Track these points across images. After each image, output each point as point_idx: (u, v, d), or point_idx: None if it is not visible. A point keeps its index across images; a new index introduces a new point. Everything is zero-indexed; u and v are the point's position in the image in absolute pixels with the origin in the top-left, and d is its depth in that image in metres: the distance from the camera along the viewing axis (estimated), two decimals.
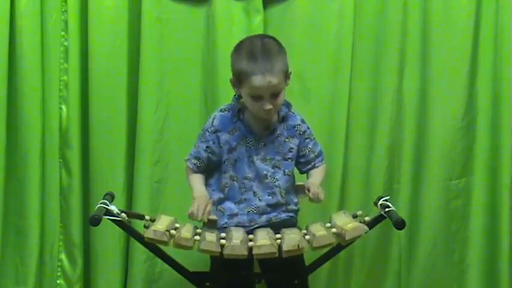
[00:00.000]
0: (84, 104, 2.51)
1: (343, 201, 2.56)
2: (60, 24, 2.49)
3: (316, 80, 2.54)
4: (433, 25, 2.51)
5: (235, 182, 2.09)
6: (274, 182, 2.09)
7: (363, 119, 2.56)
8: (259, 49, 1.99)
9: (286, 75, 2.03)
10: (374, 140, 2.57)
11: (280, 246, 1.82)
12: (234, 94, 2.13)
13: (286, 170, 2.11)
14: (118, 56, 2.50)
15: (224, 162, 2.09)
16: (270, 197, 2.09)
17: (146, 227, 1.99)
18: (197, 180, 2.12)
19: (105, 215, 1.91)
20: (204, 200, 2.00)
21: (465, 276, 2.57)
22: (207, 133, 2.10)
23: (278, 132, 2.11)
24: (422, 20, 2.51)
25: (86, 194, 2.55)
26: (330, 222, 1.97)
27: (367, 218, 1.97)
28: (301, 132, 2.14)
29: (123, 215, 1.96)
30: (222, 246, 1.83)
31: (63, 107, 2.51)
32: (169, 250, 1.96)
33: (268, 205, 2.09)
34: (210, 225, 2.00)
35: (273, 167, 2.10)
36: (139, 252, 2.47)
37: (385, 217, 1.93)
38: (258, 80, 1.95)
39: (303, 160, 2.16)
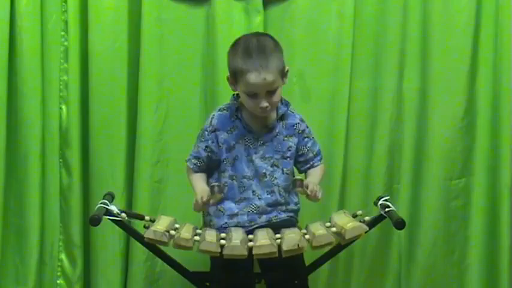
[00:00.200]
0: (84, 104, 2.51)
1: (343, 201, 2.55)
2: (60, 24, 2.49)
3: (316, 80, 2.54)
4: (433, 25, 2.51)
5: (234, 181, 2.09)
6: (273, 181, 2.09)
7: (363, 119, 2.56)
8: (254, 46, 1.99)
9: (283, 73, 2.04)
10: (374, 140, 2.57)
11: (280, 246, 1.82)
12: (232, 93, 2.14)
13: (285, 169, 2.11)
14: (118, 56, 2.50)
15: (223, 161, 2.10)
16: (269, 196, 2.09)
17: (146, 227, 1.99)
18: (198, 179, 2.12)
19: (105, 215, 1.91)
20: (206, 192, 2.00)
21: (465, 276, 2.57)
22: (206, 132, 2.11)
23: (277, 130, 2.11)
24: (422, 20, 2.51)
25: (86, 194, 2.55)
26: (329, 222, 1.97)
27: (367, 218, 1.97)
28: (300, 131, 2.14)
29: (123, 215, 1.97)
30: (222, 246, 1.83)
31: (63, 107, 2.51)
32: (169, 250, 1.96)
33: (268, 204, 2.09)
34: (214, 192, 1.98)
35: (272, 166, 2.10)
36: (140, 252, 2.47)
37: (385, 217, 1.93)
38: (253, 77, 1.96)
39: (301, 159, 2.16)
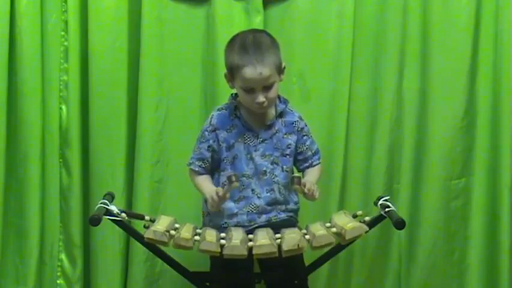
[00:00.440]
0: (84, 104, 2.51)
1: (343, 201, 2.55)
2: (60, 24, 2.48)
3: (316, 80, 2.54)
4: (433, 25, 2.51)
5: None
6: (273, 178, 2.10)
7: (363, 119, 2.56)
8: (250, 42, 2.01)
9: (280, 69, 2.05)
10: (374, 140, 2.57)
11: (280, 246, 1.82)
12: (231, 93, 2.14)
13: (285, 166, 2.12)
14: (118, 56, 2.49)
15: (223, 160, 2.10)
16: (268, 194, 2.09)
17: (146, 227, 1.99)
18: (205, 182, 2.11)
19: (105, 215, 1.91)
20: (215, 189, 1.99)
21: (465, 276, 2.57)
22: (206, 133, 2.11)
23: (276, 128, 2.12)
24: (422, 20, 2.51)
25: (86, 194, 2.55)
26: (330, 222, 1.97)
27: (367, 218, 1.97)
28: (299, 129, 2.15)
29: (123, 215, 1.97)
30: (222, 246, 1.83)
31: (63, 107, 2.51)
32: (169, 250, 1.96)
33: (268, 203, 2.09)
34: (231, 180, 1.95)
35: (271, 163, 2.10)
36: (140, 252, 2.47)
37: (385, 217, 1.93)
38: (248, 72, 1.97)
39: (300, 157, 2.16)
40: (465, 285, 2.57)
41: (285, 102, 2.15)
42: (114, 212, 1.94)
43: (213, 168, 2.13)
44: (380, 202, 2.00)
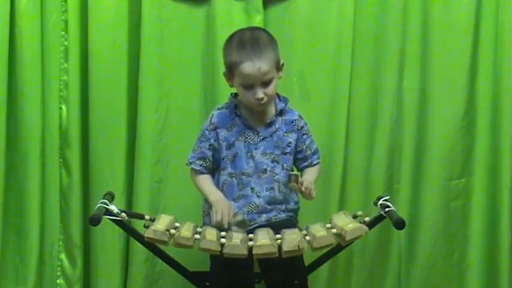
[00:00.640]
0: (84, 104, 2.51)
1: (343, 201, 2.55)
2: (60, 24, 2.49)
3: (316, 80, 2.54)
4: (433, 25, 2.51)
5: (233, 179, 2.09)
6: (274, 177, 2.10)
7: (363, 119, 2.56)
8: (248, 39, 2.03)
9: (278, 66, 2.06)
10: (374, 140, 2.57)
11: (280, 247, 1.82)
12: (231, 93, 2.14)
13: (285, 165, 2.12)
14: (118, 56, 2.49)
15: (223, 159, 2.10)
16: (268, 192, 2.09)
17: (146, 226, 1.99)
18: (207, 182, 2.11)
19: (105, 214, 1.91)
20: (225, 204, 2.00)
21: (465, 276, 2.57)
22: (207, 132, 2.11)
23: (277, 126, 2.12)
24: (422, 20, 2.51)
25: (86, 194, 2.55)
26: (330, 223, 1.97)
27: (367, 219, 1.97)
28: (299, 127, 2.15)
29: (123, 214, 1.96)
30: (222, 245, 1.83)
31: (63, 106, 2.51)
32: (169, 250, 1.96)
33: (267, 202, 2.09)
34: (240, 225, 1.99)
35: (272, 162, 2.10)
36: (139, 252, 2.47)
37: (385, 217, 1.93)
38: (247, 67, 1.98)
39: (300, 156, 2.17)
40: (465, 285, 2.57)
41: (285, 100, 2.16)
42: (114, 211, 1.94)
43: (213, 168, 2.13)
44: (380, 202, 2.00)
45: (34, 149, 2.48)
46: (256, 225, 2.07)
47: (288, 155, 2.13)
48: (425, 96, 2.55)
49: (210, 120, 2.12)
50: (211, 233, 1.89)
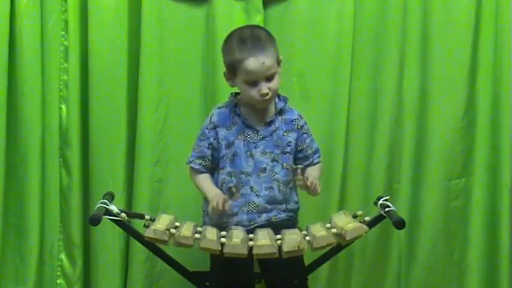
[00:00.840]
0: (84, 104, 2.51)
1: (343, 201, 2.55)
2: (60, 24, 2.48)
3: (316, 80, 2.54)
4: (433, 25, 2.51)
5: (233, 178, 2.09)
6: (273, 176, 2.10)
7: (363, 119, 2.56)
8: (248, 36, 2.04)
9: (278, 61, 2.07)
10: (374, 140, 2.57)
11: (280, 247, 1.82)
12: (231, 92, 2.15)
13: (285, 164, 2.12)
14: (118, 56, 2.49)
15: (222, 157, 2.10)
16: (267, 192, 2.09)
17: (146, 226, 1.99)
18: (206, 181, 2.11)
19: (105, 214, 1.91)
20: (221, 196, 2.00)
21: (465, 276, 2.57)
22: (206, 130, 2.11)
23: (276, 125, 2.12)
24: (422, 20, 2.51)
25: (86, 194, 2.54)
26: (330, 223, 1.97)
27: (367, 218, 1.97)
28: (299, 127, 2.15)
29: (123, 214, 1.97)
30: (222, 244, 1.83)
31: (63, 106, 2.51)
32: (169, 250, 1.96)
33: (267, 202, 2.08)
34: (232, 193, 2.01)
35: (272, 161, 2.10)
36: (140, 252, 2.47)
37: (385, 217, 1.93)
38: (251, 63, 1.99)
39: (300, 155, 2.17)
40: (465, 285, 2.57)
41: (284, 100, 2.16)
42: (114, 211, 1.94)
43: (212, 168, 2.13)
44: (380, 202, 2.00)
45: (34, 149, 2.48)
46: (257, 225, 2.07)
47: (287, 154, 2.13)
48: (425, 96, 2.55)
49: (210, 119, 2.12)
50: (211, 233, 1.89)
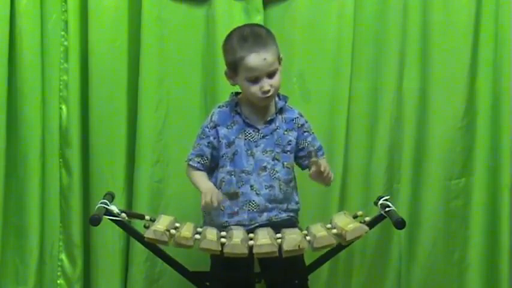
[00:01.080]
0: (84, 104, 2.51)
1: (343, 201, 2.56)
2: (60, 24, 2.48)
3: (316, 80, 2.54)
4: (433, 25, 2.52)
5: (233, 177, 2.09)
6: (274, 174, 2.10)
7: (363, 119, 2.56)
8: (249, 33, 2.05)
9: (279, 58, 2.07)
10: (374, 140, 2.57)
11: (280, 246, 1.82)
12: (231, 92, 2.15)
13: (285, 163, 2.12)
14: (118, 56, 2.49)
15: (222, 156, 2.10)
16: (267, 191, 2.09)
17: (146, 226, 1.99)
18: (201, 177, 2.12)
19: (105, 215, 1.91)
20: (213, 190, 2.00)
21: (465, 276, 2.57)
22: (207, 129, 2.12)
23: (277, 124, 2.13)
24: (422, 20, 2.52)
25: (86, 194, 2.54)
26: (330, 223, 1.97)
27: (367, 218, 1.97)
28: (299, 125, 2.16)
29: (123, 215, 1.96)
30: (223, 244, 1.83)
31: (63, 107, 2.51)
32: (169, 250, 1.96)
33: (268, 201, 2.08)
34: (232, 197, 2.02)
35: (272, 159, 2.11)
36: (140, 252, 2.47)
37: (385, 217, 1.93)
38: (252, 59, 2.00)
39: (302, 154, 2.16)
40: (465, 285, 2.57)
41: (284, 98, 2.17)
42: (114, 212, 1.94)
43: (211, 167, 2.13)
44: (380, 202, 1.99)
45: (34, 149, 2.48)
46: (257, 224, 2.07)
47: (288, 153, 2.13)
48: (425, 96, 2.55)
49: (211, 118, 2.13)
50: (211, 233, 1.89)
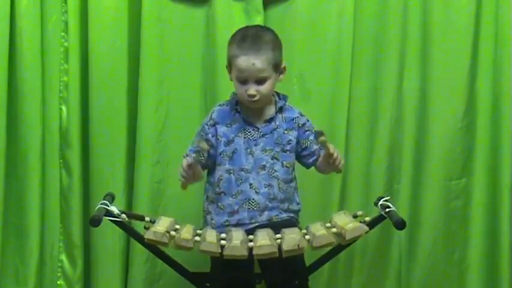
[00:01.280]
0: (84, 104, 2.51)
1: (343, 201, 2.56)
2: (60, 24, 2.48)
3: (316, 80, 2.54)
4: (433, 25, 2.52)
5: (232, 175, 2.09)
6: (273, 173, 2.10)
7: (363, 119, 2.56)
8: (250, 35, 2.05)
9: (277, 67, 2.07)
10: (374, 140, 2.57)
11: (280, 246, 1.82)
12: (232, 91, 2.15)
13: (285, 162, 2.12)
14: (118, 56, 2.49)
15: (220, 154, 2.11)
16: (266, 189, 2.09)
17: (146, 228, 1.99)
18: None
19: (105, 215, 1.91)
20: (185, 159, 2.00)
21: (465, 276, 2.58)
22: (206, 127, 2.13)
23: (277, 123, 2.13)
24: (422, 20, 2.52)
25: (86, 194, 2.54)
26: (330, 223, 1.97)
27: (367, 218, 1.97)
28: (300, 125, 2.16)
29: (124, 215, 1.96)
30: (222, 247, 1.83)
31: (63, 107, 2.51)
32: (169, 251, 1.96)
33: (267, 199, 2.09)
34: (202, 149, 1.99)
35: (272, 158, 2.11)
36: (140, 252, 2.47)
37: (386, 217, 1.93)
38: (242, 61, 2.01)
39: (305, 153, 2.17)
40: (465, 286, 2.57)
41: (284, 98, 2.17)
42: (115, 212, 1.94)
43: (208, 165, 2.13)
44: (380, 202, 1.99)
45: (34, 149, 2.48)
46: (257, 223, 2.07)
47: (288, 152, 2.13)
48: (425, 96, 2.55)
49: (211, 116, 2.14)
50: (211, 235, 1.89)
